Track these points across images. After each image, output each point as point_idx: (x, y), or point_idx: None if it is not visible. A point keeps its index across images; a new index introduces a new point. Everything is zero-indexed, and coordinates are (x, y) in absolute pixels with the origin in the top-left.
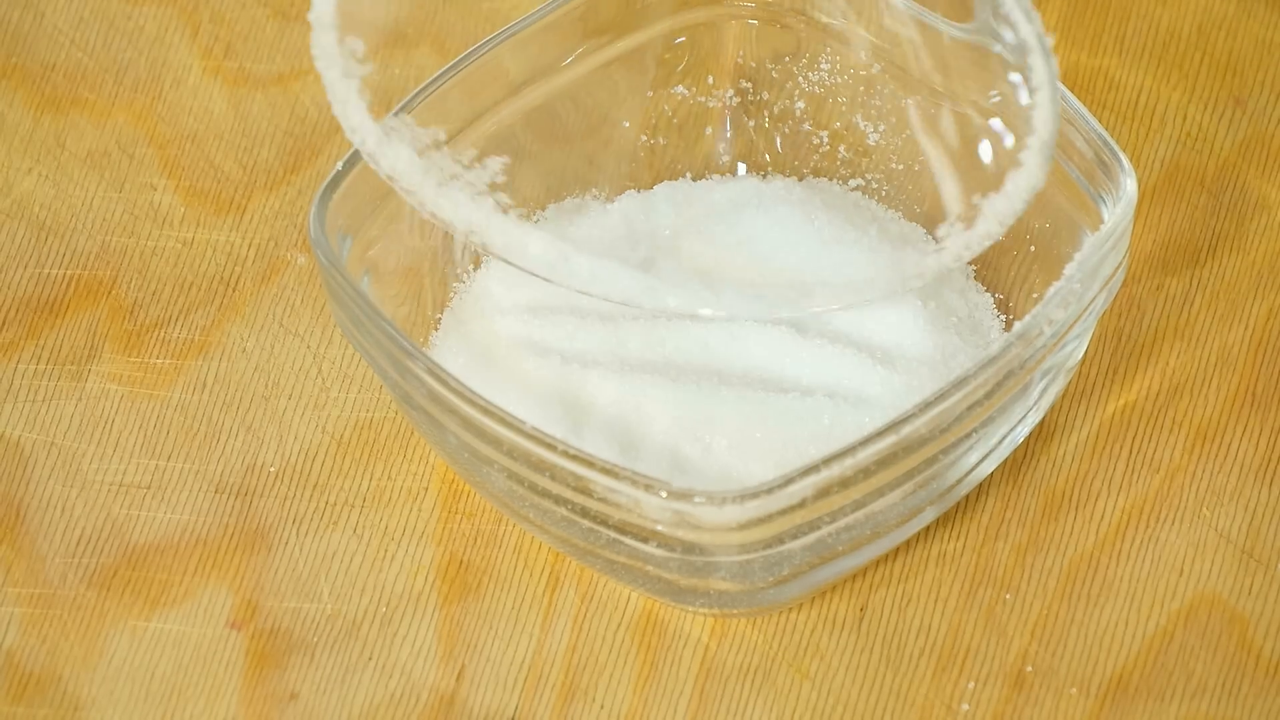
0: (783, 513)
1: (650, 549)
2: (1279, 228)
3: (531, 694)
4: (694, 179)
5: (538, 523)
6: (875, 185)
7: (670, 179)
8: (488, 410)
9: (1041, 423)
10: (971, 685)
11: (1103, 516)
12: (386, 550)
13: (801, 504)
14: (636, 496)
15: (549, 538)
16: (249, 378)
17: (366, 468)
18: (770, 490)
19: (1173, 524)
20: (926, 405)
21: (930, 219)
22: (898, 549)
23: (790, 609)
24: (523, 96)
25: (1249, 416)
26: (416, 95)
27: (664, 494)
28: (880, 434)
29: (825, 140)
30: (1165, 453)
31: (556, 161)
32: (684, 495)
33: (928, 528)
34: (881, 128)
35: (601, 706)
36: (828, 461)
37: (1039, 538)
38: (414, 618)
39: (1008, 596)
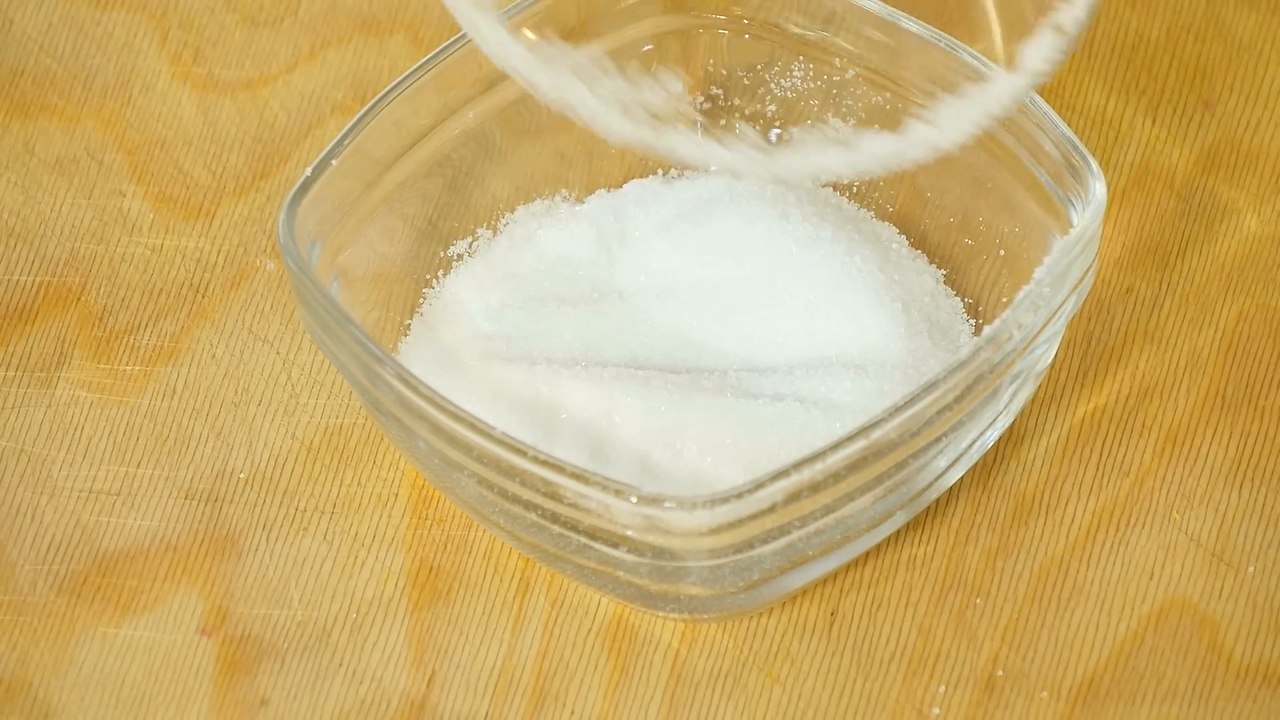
0: (753, 517)
1: (620, 554)
2: (1248, 231)
3: (502, 700)
4: (665, 176)
5: (508, 528)
6: (846, 183)
7: (641, 177)
8: (457, 416)
9: (1011, 427)
10: (942, 689)
11: (1073, 520)
12: (357, 556)
13: (772, 509)
14: (606, 502)
15: (519, 544)
16: (218, 384)
17: (336, 474)
18: (740, 495)
19: (1143, 527)
20: (897, 410)
21: (902, 219)
22: (868, 553)
23: (761, 614)
24: (496, 92)
25: (1219, 420)
26: (392, 89)
27: (634, 499)
28: (850, 438)
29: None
30: (1135, 456)
31: (528, 159)
32: (654, 500)
33: (898, 532)
34: (851, 122)
35: (572, 712)
36: (798, 466)
37: (1009, 542)
38: (384, 624)
39: (978, 601)
